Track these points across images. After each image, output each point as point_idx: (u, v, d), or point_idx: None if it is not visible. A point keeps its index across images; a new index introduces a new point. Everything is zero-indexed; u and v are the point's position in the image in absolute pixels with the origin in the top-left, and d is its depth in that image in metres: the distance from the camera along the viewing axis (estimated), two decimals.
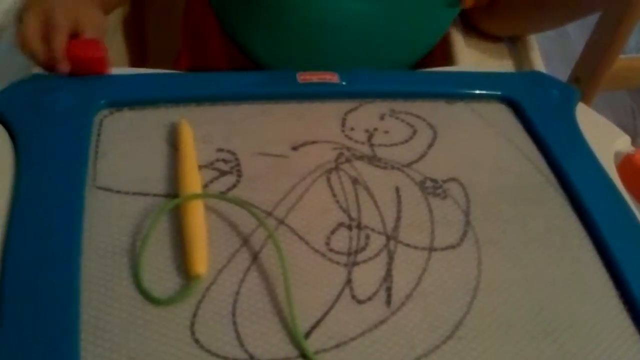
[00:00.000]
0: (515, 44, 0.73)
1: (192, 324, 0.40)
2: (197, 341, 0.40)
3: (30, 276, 0.40)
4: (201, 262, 0.42)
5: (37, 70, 0.53)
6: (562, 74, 1.07)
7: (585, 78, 1.03)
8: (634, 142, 0.62)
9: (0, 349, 0.37)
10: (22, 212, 0.43)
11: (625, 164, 0.61)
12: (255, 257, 0.44)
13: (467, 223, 0.50)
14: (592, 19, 0.86)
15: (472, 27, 0.73)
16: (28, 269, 0.40)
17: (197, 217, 0.44)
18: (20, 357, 0.36)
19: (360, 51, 0.65)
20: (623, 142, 0.62)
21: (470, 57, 0.70)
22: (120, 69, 0.54)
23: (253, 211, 0.46)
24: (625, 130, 0.62)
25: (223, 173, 0.49)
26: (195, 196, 0.45)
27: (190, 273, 0.42)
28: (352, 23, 0.62)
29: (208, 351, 0.39)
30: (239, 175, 0.49)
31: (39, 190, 0.45)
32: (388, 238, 0.48)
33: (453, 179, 0.53)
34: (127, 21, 0.73)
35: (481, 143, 0.58)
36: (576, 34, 1.07)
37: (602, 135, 0.61)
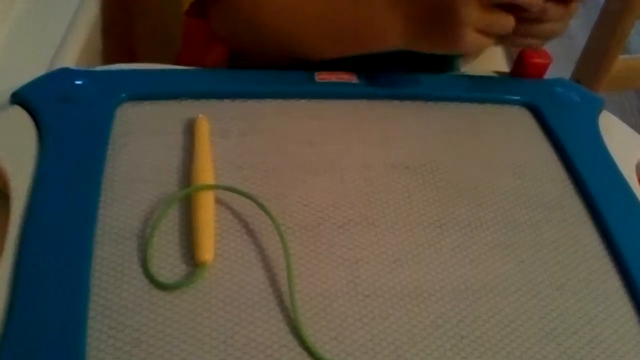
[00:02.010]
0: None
1: (196, 309, 0.41)
2: (200, 325, 0.41)
3: (45, 256, 0.42)
4: (208, 250, 0.43)
5: (62, 63, 0.55)
6: (568, 75, 1.07)
7: (585, 80, 1.03)
8: None
9: (12, 321, 0.38)
10: (43, 196, 0.45)
11: None
12: (261, 247, 0.45)
13: (479, 225, 0.50)
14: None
15: None
16: (44, 249, 0.42)
17: (207, 207, 0.46)
18: (30, 330, 0.38)
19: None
20: None
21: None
22: (141, 64, 0.56)
23: (260, 203, 0.47)
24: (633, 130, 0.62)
25: (238, 167, 0.51)
26: (205, 187, 0.47)
27: (197, 260, 0.43)
28: None
29: (209, 335, 0.40)
30: (253, 170, 0.51)
31: (59, 176, 0.47)
32: (396, 235, 0.48)
33: (468, 181, 0.53)
34: (115, 25, 0.75)
35: (499, 147, 0.57)
36: (581, 35, 1.07)
37: (626, 144, 0.60)
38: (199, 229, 0.44)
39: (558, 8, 0.54)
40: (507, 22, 0.53)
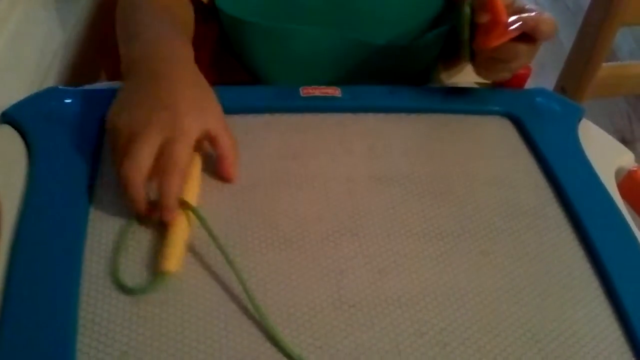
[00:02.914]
0: None
1: (183, 323, 0.42)
2: (187, 338, 0.41)
3: (35, 271, 0.43)
4: (171, 261, 0.44)
5: (53, 83, 0.56)
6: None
7: (570, 87, 1.04)
8: (631, 147, 0.62)
9: (2, 335, 0.39)
10: (32, 213, 0.46)
11: (627, 180, 0.61)
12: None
13: (462, 234, 0.51)
14: None
15: None
16: (34, 265, 0.43)
17: (180, 224, 0.46)
18: (20, 344, 0.39)
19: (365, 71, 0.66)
20: (626, 159, 0.62)
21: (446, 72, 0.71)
22: None
23: (214, 235, 0.46)
24: (622, 135, 0.63)
25: (224, 180, 0.52)
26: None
27: (161, 268, 0.44)
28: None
29: (196, 347, 0.41)
30: (239, 184, 0.52)
31: (49, 193, 0.48)
32: (380, 246, 0.49)
33: (450, 191, 0.55)
34: (106, 44, 0.76)
35: (481, 157, 0.59)
36: (569, 43, 1.08)
37: (605, 152, 0.62)
38: (167, 241, 0.45)
39: (527, 47, 0.56)
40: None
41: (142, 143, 0.45)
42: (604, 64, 1.09)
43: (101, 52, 0.73)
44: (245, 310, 0.43)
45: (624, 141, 0.63)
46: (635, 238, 0.53)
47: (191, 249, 0.46)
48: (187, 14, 0.60)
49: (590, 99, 1.11)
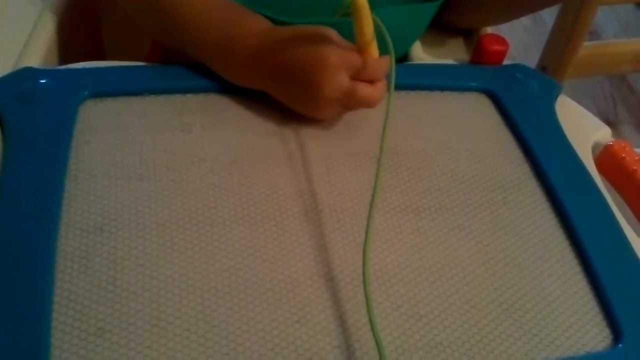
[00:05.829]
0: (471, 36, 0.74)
1: (159, 299, 0.42)
2: (163, 314, 0.42)
3: (10, 250, 0.43)
4: None
5: (28, 63, 0.56)
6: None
7: (551, 66, 1.05)
8: (614, 129, 0.63)
9: None
10: (7, 193, 0.46)
11: (604, 154, 0.61)
12: (225, 237, 0.46)
13: (439, 209, 0.52)
14: None
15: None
16: (9, 243, 0.43)
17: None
18: None
19: None
20: (603, 134, 0.62)
21: (426, 49, 0.71)
22: (103, 61, 0.57)
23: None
24: (606, 117, 0.63)
25: (200, 159, 0.51)
26: None
27: None
28: None
29: (173, 323, 0.41)
30: (216, 162, 0.51)
31: (23, 173, 0.47)
32: (359, 222, 0.49)
33: (428, 167, 0.55)
34: (82, 24, 0.75)
35: (458, 133, 0.59)
36: (552, 22, 1.08)
37: (582, 127, 0.62)
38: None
39: None
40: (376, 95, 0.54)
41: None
42: (584, 43, 1.10)
43: (79, 31, 0.72)
44: (222, 286, 0.44)
45: (608, 123, 0.63)
46: (611, 212, 0.53)
47: (171, 228, 0.46)
48: None
49: (571, 79, 1.12)
